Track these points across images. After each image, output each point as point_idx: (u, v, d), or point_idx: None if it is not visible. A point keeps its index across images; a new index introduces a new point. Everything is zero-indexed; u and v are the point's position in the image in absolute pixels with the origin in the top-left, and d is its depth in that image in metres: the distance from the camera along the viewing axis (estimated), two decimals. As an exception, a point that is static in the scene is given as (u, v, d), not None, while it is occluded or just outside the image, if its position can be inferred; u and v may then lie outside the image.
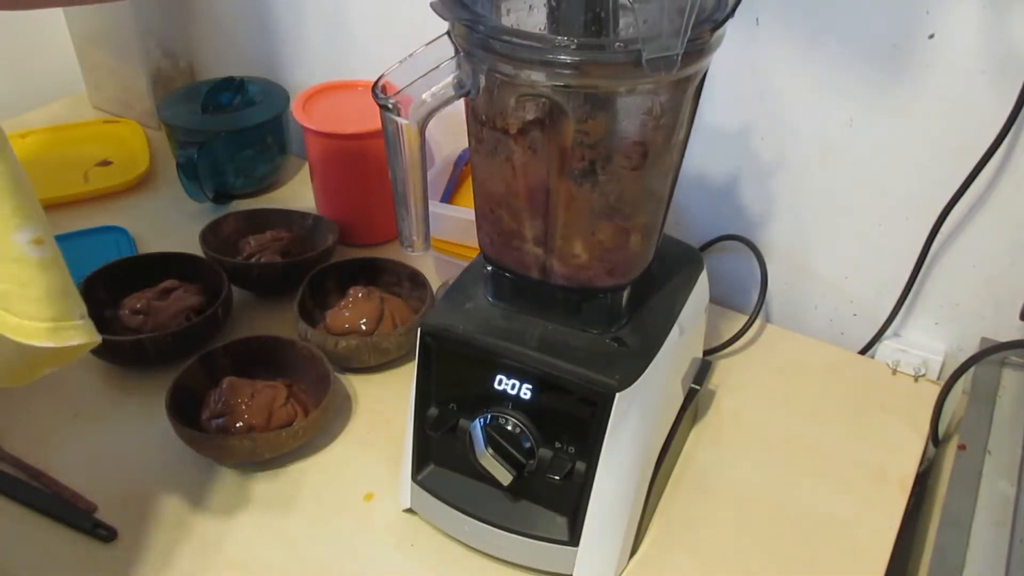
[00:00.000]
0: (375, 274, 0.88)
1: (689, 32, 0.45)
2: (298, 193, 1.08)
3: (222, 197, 1.04)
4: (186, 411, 0.71)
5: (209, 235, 0.90)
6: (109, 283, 0.83)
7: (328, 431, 0.75)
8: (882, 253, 0.83)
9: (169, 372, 0.74)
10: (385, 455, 0.73)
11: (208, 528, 0.66)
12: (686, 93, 0.54)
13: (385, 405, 0.78)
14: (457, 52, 0.53)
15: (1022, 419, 0.71)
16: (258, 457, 0.70)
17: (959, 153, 0.74)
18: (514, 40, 0.49)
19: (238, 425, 0.70)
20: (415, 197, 0.57)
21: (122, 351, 0.78)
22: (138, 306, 0.81)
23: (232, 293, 0.85)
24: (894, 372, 0.83)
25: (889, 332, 0.86)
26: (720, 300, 0.91)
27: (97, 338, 0.50)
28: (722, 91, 0.84)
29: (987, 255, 0.78)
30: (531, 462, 0.60)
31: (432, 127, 1.09)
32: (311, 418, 0.71)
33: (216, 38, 1.20)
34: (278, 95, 1.08)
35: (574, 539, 0.61)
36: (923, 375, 0.82)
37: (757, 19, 0.78)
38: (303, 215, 0.96)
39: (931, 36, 0.72)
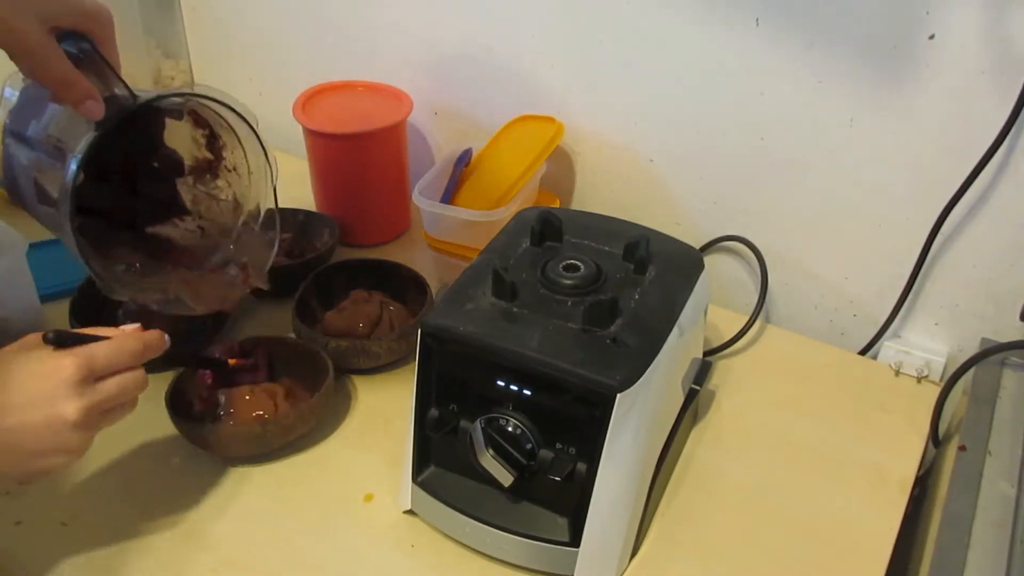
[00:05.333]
0: (384, 277, 0.87)
1: None
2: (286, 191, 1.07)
3: None
4: (187, 416, 0.71)
5: None
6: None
7: (328, 431, 0.75)
8: (882, 253, 0.83)
9: (165, 372, 0.73)
10: (385, 456, 0.73)
11: (208, 528, 0.66)
12: None
13: (385, 406, 0.78)
14: None
15: (1022, 420, 0.71)
16: (267, 445, 0.70)
17: (959, 153, 0.74)
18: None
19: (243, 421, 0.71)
20: None
21: None
22: (133, 308, 0.80)
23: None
24: (897, 373, 0.83)
25: (889, 333, 0.86)
26: (720, 300, 0.91)
27: None
28: (722, 91, 0.84)
29: (987, 255, 0.78)
30: (532, 463, 0.60)
31: (432, 127, 1.10)
32: (315, 400, 0.71)
33: (216, 39, 1.20)
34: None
35: (575, 540, 0.61)
36: (926, 376, 0.82)
37: (757, 19, 0.78)
38: (293, 212, 0.96)
39: (931, 36, 0.72)
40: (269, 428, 0.69)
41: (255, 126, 0.69)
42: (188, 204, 0.75)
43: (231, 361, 0.75)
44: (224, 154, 0.73)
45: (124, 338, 0.55)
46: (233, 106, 0.67)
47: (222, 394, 0.74)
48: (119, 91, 0.62)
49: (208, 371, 0.74)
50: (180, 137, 0.72)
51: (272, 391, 0.74)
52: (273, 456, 0.72)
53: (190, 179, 0.75)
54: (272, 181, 0.73)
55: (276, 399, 0.73)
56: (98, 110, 0.60)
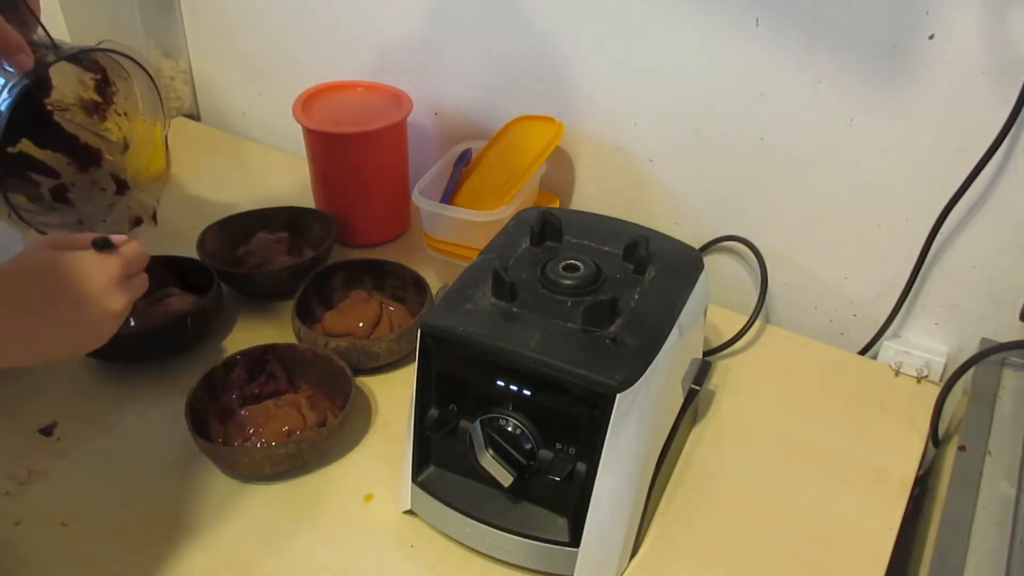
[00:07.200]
0: (384, 277, 0.87)
1: None
2: (285, 190, 1.08)
3: None
4: (211, 437, 0.70)
5: (201, 250, 0.88)
6: None
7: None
8: (882, 253, 0.83)
9: (166, 372, 0.73)
10: (385, 456, 0.73)
11: (206, 528, 0.66)
12: None
13: (385, 406, 0.78)
14: None
15: (1022, 420, 0.71)
16: (299, 461, 0.69)
17: (959, 153, 0.74)
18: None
19: (275, 441, 0.70)
20: None
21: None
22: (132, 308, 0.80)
23: (221, 303, 0.83)
24: (897, 373, 0.83)
25: (889, 333, 0.86)
26: (720, 300, 0.91)
27: None
28: (722, 92, 0.84)
29: (987, 255, 0.78)
30: (532, 463, 0.60)
31: (432, 127, 1.10)
32: (345, 413, 0.70)
33: (216, 39, 1.20)
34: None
35: (575, 540, 0.61)
36: (926, 376, 0.82)
37: (757, 19, 0.78)
38: (277, 210, 0.95)
39: (931, 36, 0.72)
40: (302, 448, 0.68)
41: (152, 76, 0.73)
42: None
43: (258, 380, 0.75)
44: (115, 99, 0.76)
45: (138, 243, 0.60)
46: (139, 60, 0.71)
47: (246, 410, 0.72)
48: (37, 38, 0.64)
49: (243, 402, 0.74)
50: (63, 76, 0.74)
51: (295, 402, 0.73)
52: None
53: (71, 114, 0.76)
54: (164, 127, 0.77)
55: (301, 409, 0.72)
56: (28, 62, 0.60)
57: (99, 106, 0.76)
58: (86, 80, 0.75)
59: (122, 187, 0.77)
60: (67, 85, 0.75)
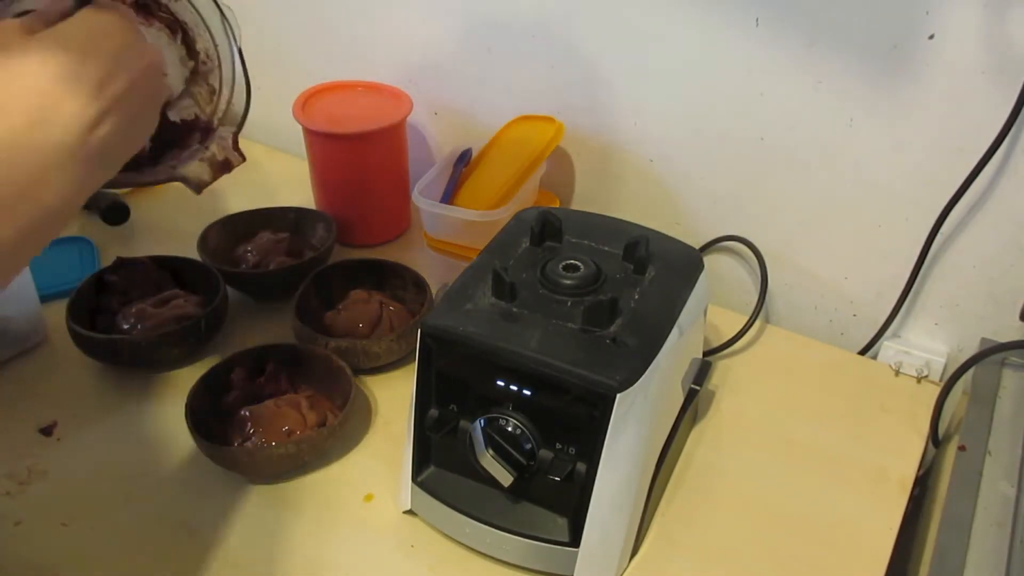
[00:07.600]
0: (384, 277, 0.87)
1: None
2: (285, 191, 1.08)
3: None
4: (212, 438, 0.69)
5: (202, 248, 0.88)
6: (125, 282, 0.83)
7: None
8: (882, 253, 0.83)
9: (166, 372, 0.73)
10: (385, 456, 0.73)
11: (207, 528, 0.66)
12: None
13: (385, 406, 0.78)
14: None
15: (1022, 420, 0.71)
16: (299, 461, 0.69)
17: (959, 153, 0.74)
18: None
19: (275, 441, 0.70)
20: None
21: (98, 348, 0.78)
22: (133, 311, 0.80)
23: (227, 306, 0.83)
24: (897, 373, 0.83)
25: (889, 333, 0.86)
26: (720, 300, 0.91)
27: None
28: (722, 92, 0.84)
29: (987, 255, 0.78)
30: (532, 463, 0.60)
31: (432, 127, 1.10)
32: (345, 413, 0.70)
33: (215, 38, 1.20)
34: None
35: (575, 540, 0.61)
36: (926, 376, 0.82)
37: (757, 19, 0.78)
38: (282, 210, 0.95)
39: (931, 36, 0.72)
40: (302, 448, 0.68)
41: None
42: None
43: (258, 380, 0.75)
44: (198, 48, 0.66)
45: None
46: None
47: (246, 410, 0.72)
48: None
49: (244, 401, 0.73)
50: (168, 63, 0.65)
51: (295, 402, 0.73)
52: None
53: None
54: (236, 42, 0.66)
55: (301, 409, 0.72)
56: None
57: (194, 71, 0.66)
58: (183, 55, 0.65)
59: (206, 132, 0.66)
60: (172, 72, 0.65)
